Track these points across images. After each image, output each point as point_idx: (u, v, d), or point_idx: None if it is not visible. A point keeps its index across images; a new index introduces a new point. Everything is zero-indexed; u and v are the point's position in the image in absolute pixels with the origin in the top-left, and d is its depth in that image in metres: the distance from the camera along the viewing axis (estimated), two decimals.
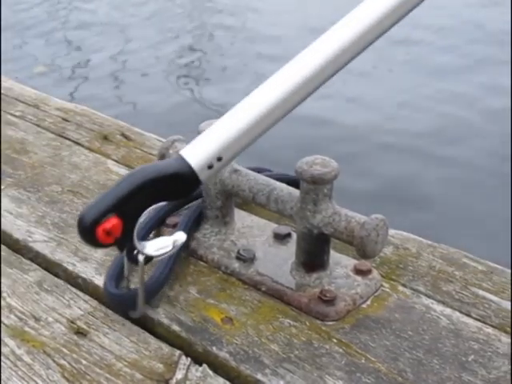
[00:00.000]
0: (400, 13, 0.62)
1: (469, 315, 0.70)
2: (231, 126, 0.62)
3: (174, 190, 0.61)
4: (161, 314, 0.70)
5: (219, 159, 0.61)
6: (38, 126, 1.10)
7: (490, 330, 0.68)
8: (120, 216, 0.58)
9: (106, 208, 0.58)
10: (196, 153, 0.61)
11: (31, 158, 1.00)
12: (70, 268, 0.77)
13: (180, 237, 0.65)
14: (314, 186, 0.69)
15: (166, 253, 0.64)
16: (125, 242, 0.60)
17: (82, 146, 1.04)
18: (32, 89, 1.25)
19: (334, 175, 0.69)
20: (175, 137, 0.82)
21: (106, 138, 1.06)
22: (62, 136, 1.06)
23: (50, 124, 1.10)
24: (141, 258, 0.63)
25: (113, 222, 0.58)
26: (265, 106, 0.61)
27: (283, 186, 0.74)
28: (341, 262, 0.76)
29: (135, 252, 0.63)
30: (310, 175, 0.69)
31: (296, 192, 0.72)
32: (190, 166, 0.60)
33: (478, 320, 0.69)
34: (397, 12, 0.62)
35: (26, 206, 0.88)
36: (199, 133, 0.77)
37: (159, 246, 0.64)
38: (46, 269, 0.78)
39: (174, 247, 0.64)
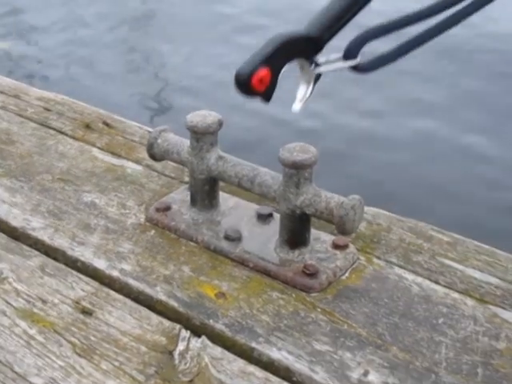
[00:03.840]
0: None
1: (437, 282, 0.78)
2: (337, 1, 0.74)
3: (306, 48, 0.74)
4: (159, 292, 0.77)
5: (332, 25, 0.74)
6: (21, 116, 1.14)
7: (456, 295, 0.76)
8: (269, 67, 0.71)
9: (258, 61, 0.70)
10: (318, 22, 0.74)
11: (18, 148, 1.04)
12: (69, 253, 0.83)
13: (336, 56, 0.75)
14: (295, 171, 0.76)
15: (333, 68, 0.75)
16: (272, 91, 0.72)
17: (66, 134, 1.08)
18: (9, 79, 1.29)
19: (314, 160, 0.76)
20: (162, 127, 0.88)
21: (88, 126, 1.10)
22: (45, 125, 1.11)
23: (32, 114, 1.14)
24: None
25: (264, 72, 0.70)
26: None
27: (266, 170, 0.81)
28: (320, 238, 0.83)
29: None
30: (292, 161, 0.75)
31: (278, 176, 0.79)
32: (315, 30, 0.73)
33: (446, 287, 0.77)
34: None
35: (20, 195, 0.93)
36: (186, 124, 0.83)
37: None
38: (46, 254, 0.83)
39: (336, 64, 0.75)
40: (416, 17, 0.76)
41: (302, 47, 0.74)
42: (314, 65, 0.74)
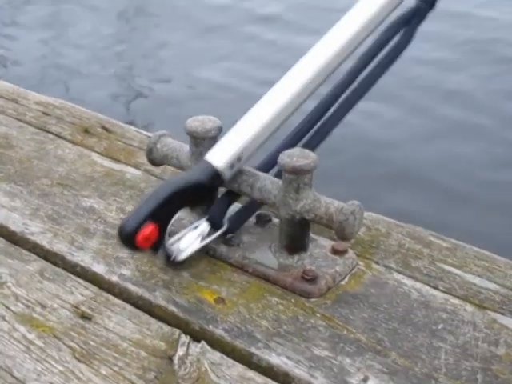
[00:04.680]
0: None
1: (436, 288, 0.78)
2: (247, 130, 0.74)
3: (201, 194, 0.70)
4: (158, 297, 0.77)
5: (239, 159, 0.73)
6: (20, 120, 1.14)
7: (455, 300, 0.76)
8: (156, 222, 0.68)
9: (144, 217, 0.68)
10: (220, 156, 0.74)
11: (18, 153, 1.04)
12: (68, 257, 0.83)
13: (202, 227, 0.76)
14: (295, 176, 0.76)
15: (194, 250, 0.76)
16: (159, 245, 0.71)
17: (65, 139, 1.08)
18: (8, 83, 1.29)
19: (314, 166, 0.76)
20: (161, 132, 0.88)
21: (87, 130, 1.10)
22: (44, 130, 1.11)
23: (31, 118, 1.14)
24: (180, 258, 0.77)
25: (150, 229, 0.68)
26: (275, 108, 0.75)
27: (266, 175, 0.81)
28: (319, 243, 0.83)
29: (171, 258, 0.75)
30: (292, 166, 0.75)
31: (278, 182, 0.79)
32: (215, 170, 0.72)
33: (445, 292, 0.77)
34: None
35: (19, 200, 0.93)
36: (185, 129, 0.83)
37: (186, 245, 0.76)
38: (45, 259, 0.83)
39: (202, 240, 0.77)
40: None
41: (193, 196, 0.73)
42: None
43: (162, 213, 0.70)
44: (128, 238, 0.69)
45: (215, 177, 0.74)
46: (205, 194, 0.74)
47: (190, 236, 0.76)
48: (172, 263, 0.77)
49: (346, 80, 0.83)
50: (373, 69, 0.84)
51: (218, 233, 0.79)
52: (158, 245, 0.72)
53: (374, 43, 0.84)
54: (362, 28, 0.79)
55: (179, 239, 0.77)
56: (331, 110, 0.83)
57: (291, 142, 0.83)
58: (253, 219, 0.87)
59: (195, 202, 0.74)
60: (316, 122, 0.83)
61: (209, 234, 0.79)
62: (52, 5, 4.23)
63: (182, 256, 0.77)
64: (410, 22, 0.85)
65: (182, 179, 0.73)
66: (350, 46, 0.78)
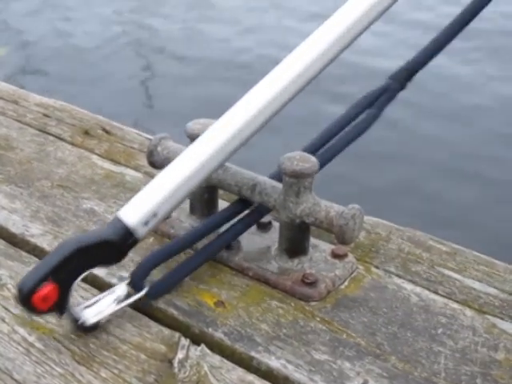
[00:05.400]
0: None
1: (436, 292, 0.78)
2: (164, 185, 0.71)
3: (111, 253, 0.68)
4: (158, 300, 0.77)
5: (155, 215, 0.70)
6: (20, 121, 1.14)
7: (455, 305, 0.76)
8: (55, 282, 0.65)
9: (40, 276, 0.64)
10: (132, 212, 0.69)
11: (18, 154, 1.04)
12: None
13: (121, 290, 0.72)
14: (296, 180, 0.76)
15: (108, 314, 0.72)
16: (63, 307, 0.67)
17: (65, 141, 1.08)
18: (8, 85, 1.29)
19: (314, 170, 0.76)
20: (162, 135, 0.88)
21: (87, 132, 1.11)
22: (44, 132, 1.11)
23: (31, 120, 1.15)
24: (89, 322, 0.71)
25: (48, 289, 0.64)
26: (196, 164, 0.71)
27: (266, 179, 0.81)
28: (319, 247, 0.83)
29: (79, 322, 0.70)
30: (293, 170, 0.76)
31: (278, 185, 0.79)
32: (126, 227, 0.68)
33: (445, 297, 0.78)
34: None
35: (20, 202, 0.93)
36: (186, 132, 0.83)
37: (99, 310, 0.72)
38: None
39: (118, 303, 0.72)
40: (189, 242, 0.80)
41: (102, 254, 0.68)
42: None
43: (64, 272, 0.65)
44: (24, 299, 0.64)
45: (127, 235, 0.69)
46: (116, 252, 0.69)
47: (106, 300, 0.72)
48: (81, 327, 0.71)
49: (308, 149, 0.83)
50: (338, 141, 0.85)
51: (136, 297, 0.74)
52: (61, 306, 0.67)
53: (341, 118, 0.86)
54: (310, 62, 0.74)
55: (94, 303, 0.73)
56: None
57: None
58: None
59: (105, 261, 0.69)
60: None
61: (127, 298, 0.74)
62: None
63: (92, 320, 0.71)
64: (378, 100, 0.86)
65: (89, 237, 0.68)
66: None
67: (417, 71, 0.85)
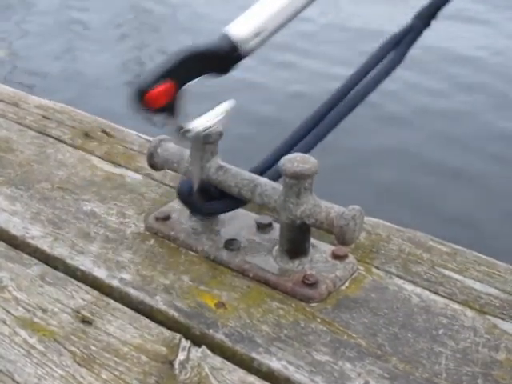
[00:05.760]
0: None
1: (437, 293, 0.78)
2: (269, 4, 0.74)
3: (218, 62, 0.72)
4: (159, 302, 0.77)
5: (257, 34, 0.73)
6: (20, 124, 1.14)
7: (456, 305, 0.76)
8: (173, 80, 0.69)
9: (160, 74, 0.69)
10: (237, 29, 0.73)
11: (18, 157, 1.04)
12: (69, 261, 0.83)
13: (228, 105, 0.76)
14: (296, 181, 0.76)
15: (216, 122, 0.76)
16: (173, 109, 0.70)
17: (65, 143, 1.08)
18: (8, 87, 1.29)
19: (314, 171, 0.76)
20: (162, 136, 0.88)
21: (87, 134, 1.11)
22: (44, 134, 1.11)
23: (31, 122, 1.14)
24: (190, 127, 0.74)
25: (166, 86, 0.68)
26: None
27: (266, 180, 0.81)
28: (319, 248, 0.83)
29: (183, 129, 0.74)
30: (293, 171, 0.76)
31: (278, 186, 0.79)
32: (231, 41, 0.72)
33: (445, 297, 0.78)
34: None
35: (20, 204, 0.93)
36: None
37: (208, 118, 0.76)
38: (45, 263, 0.83)
39: (225, 114, 0.76)
40: None
41: (210, 63, 0.72)
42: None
43: (180, 72, 0.70)
44: (141, 94, 0.68)
45: (232, 48, 0.73)
46: (222, 64, 0.73)
47: (212, 113, 0.76)
48: (181, 135, 0.74)
49: (340, 91, 0.87)
50: (366, 83, 0.87)
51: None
52: (172, 108, 0.71)
53: (369, 60, 0.88)
54: None
55: (200, 116, 0.77)
56: (325, 119, 0.87)
57: (286, 148, 0.86)
58: (254, 224, 0.87)
59: (214, 70, 0.73)
60: (310, 130, 0.87)
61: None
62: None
63: (196, 129, 0.75)
64: (402, 41, 0.88)
65: (200, 46, 0.73)
66: None
67: (440, 8, 0.86)
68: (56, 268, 0.82)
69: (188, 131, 0.74)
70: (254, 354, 0.70)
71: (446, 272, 0.81)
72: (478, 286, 0.79)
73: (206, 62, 0.72)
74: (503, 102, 3.10)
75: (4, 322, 0.74)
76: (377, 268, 0.82)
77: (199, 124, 0.75)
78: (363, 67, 0.88)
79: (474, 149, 2.74)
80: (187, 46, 0.71)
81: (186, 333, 0.73)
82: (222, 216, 0.88)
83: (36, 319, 0.74)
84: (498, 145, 2.76)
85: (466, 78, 3.34)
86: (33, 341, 0.71)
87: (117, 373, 0.68)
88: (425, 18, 0.88)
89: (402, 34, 0.88)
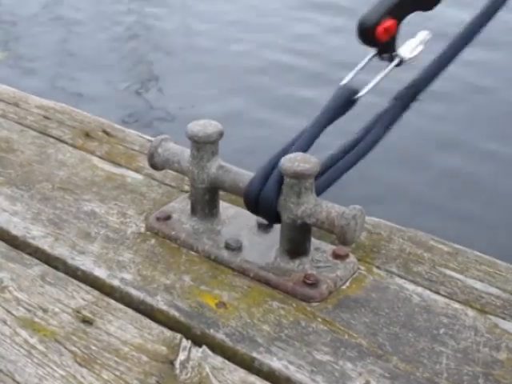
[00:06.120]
0: None
1: (438, 293, 0.78)
2: None
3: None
4: (160, 301, 0.77)
5: None
6: (21, 124, 1.14)
7: (457, 305, 0.76)
8: (394, 17, 0.73)
9: (385, 11, 0.73)
10: None
11: (19, 157, 1.04)
12: (70, 261, 0.83)
13: (425, 35, 0.81)
14: (296, 181, 0.76)
15: (419, 53, 0.80)
16: (393, 43, 0.76)
17: (66, 143, 1.08)
18: (9, 87, 1.29)
19: (315, 170, 0.76)
20: (162, 136, 0.88)
21: (88, 134, 1.10)
22: (45, 134, 1.11)
23: (32, 122, 1.14)
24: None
25: (390, 22, 0.73)
26: None
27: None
28: (320, 247, 0.83)
29: (392, 54, 0.79)
30: (293, 171, 0.75)
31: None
32: None
33: (446, 297, 0.78)
34: None
35: (21, 204, 0.93)
36: (187, 133, 0.83)
37: (412, 47, 0.80)
38: (46, 263, 0.83)
39: (424, 45, 0.80)
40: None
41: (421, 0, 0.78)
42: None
43: (400, 9, 0.74)
44: (367, 29, 0.73)
45: None
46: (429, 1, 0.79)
47: (411, 43, 0.80)
48: (391, 60, 0.80)
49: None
50: (341, 163, 0.84)
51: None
52: (391, 43, 0.76)
53: (349, 142, 0.85)
54: None
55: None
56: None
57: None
58: (254, 223, 0.87)
59: (421, 8, 0.78)
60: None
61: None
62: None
63: (409, 56, 0.80)
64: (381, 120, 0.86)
65: None
66: None
67: (421, 91, 0.85)
68: (57, 268, 0.82)
69: (398, 57, 0.79)
70: (254, 354, 0.70)
71: (447, 272, 0.81)
72: (479, 285, 0.79)
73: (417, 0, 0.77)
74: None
75: (5, 322, 0.74)
76: (378, 268, 0.82)
77: (406, 52, 0.80)
78: (342, 148, 0.85)
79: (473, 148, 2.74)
80: None
81: (187, 333, 0.73)
82: (223, 216, 0.88)
83: (37, 319, 0.74)
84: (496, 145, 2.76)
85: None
86: (33, 341, 0.71)
87: (117, 373, 0.68)
88: (405, 100, 0.85)
89: (382, 114, 0.86)
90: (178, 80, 3.40)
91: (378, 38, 0.74)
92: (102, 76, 3.41)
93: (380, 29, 0.73)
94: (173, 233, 0.86)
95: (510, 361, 0.69)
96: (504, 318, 0.74)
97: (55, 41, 3.80)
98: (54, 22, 4.05)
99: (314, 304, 0.76)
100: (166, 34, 3.96)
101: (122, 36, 3.94)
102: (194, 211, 0.87)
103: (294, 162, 0.76)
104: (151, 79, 3.49)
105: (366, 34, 0.74)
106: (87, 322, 0.74)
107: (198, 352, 0.70)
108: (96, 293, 0.78)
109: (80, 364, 0.69)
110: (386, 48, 0.77)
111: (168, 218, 0.87)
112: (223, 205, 0.90)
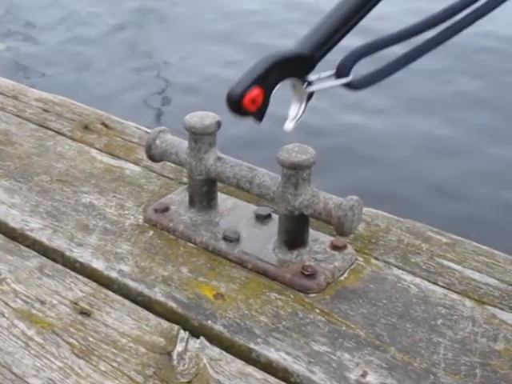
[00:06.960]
0: None
1: (436, 283, 0.78)
2: (329, 19, 0.76)
3: (298, 67, 0.75)
4: (157, 293, 0.76)
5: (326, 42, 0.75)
6: (19, 116, 1.14)
7: (455, 296, 0.76)
8: (261, 87, 0.72)
9: (251, 81, 0.71)
10: (309, 40, 0.75)
11: (17, 149, 1.04)
12: (68, 253, 0.83)
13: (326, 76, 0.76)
14: (294, 172, 0.76)
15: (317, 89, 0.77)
16: (264, 111, 0.73)
17: (65, 135, 1.08)
18: (8, 80, 1.29)
19: (313, 161, 0.76)
20: (160, 128, 0.88)
21: (86, 127, 1.10)
22: (43, 126, 1.11)
23: (30, 115, 1.14)
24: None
25: (256, 92, 0.71)
26: None
27: (264, 171, 0.81)
28: (318, 238, 0.83)
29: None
30: (291, 162, 0.75)
31: (277, 177, 0.79)
32: (307, 49, 0.74)
33: (444, 287, 0.77)
34: None
35: (19, 196, 0.93)
36: (184, 125, 0.83)
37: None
38: (44, 255, 0.83)
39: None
40: (408, 32, 0.77)
41: (294, 66, 0.75)
42: (306, 84, 0.75)
43: (268, 79, 0.72)
44: (236, 102, 0.71)
45: (308, 55, 0.75)
46: (305, 66, 0.75)
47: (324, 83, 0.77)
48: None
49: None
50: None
51: (342, 81, 0.76)
52: (262, 111, 0.73)
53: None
54: None
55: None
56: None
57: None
58: (252, 215, 0.87)
59: (297, 73, 0.76)
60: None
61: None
62: None
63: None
64: None
65: (285, 51, 0.75)
66: None
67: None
68: (55, 260, 0.82)
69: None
70: (252, 345, 0.70)
71: (445, 262, 0.81)
72: (476, 276, 0.79)
73: (290, 66, 0.75)
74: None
75: (2, 314, 0.74)
76: (376, 259, 0.82)
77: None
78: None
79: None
80: (271, 53, 0.74)
81: (185, 324, 0.73)
82: (221, 207, 0.88)
83: (34, 311, 0.74)
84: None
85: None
86: (31, 333, 0.72)
87: (115, 364, 0.68)
88: None
89: None
90: (177, 70, 3.40)
91: (245, 109, 0.72)
92: (102, 65, 3.41)
93: (246, 100, 0.71)
94: (171, 224, 0.86)
95: (507, 351, 0.69)
96: (502, 309, 0.74)
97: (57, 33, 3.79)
98: (53, 9, 4.05)
99: (312, 295, 0.76)
100: (168, 21, 3.95)
101: (122, 24, 3.93)
102: (192, 203, 0.87)
103: (292, 153, 0.76)
104: (151, 69, 3.49)
105: (234, 105, 0.72)
106: (85, 313, 0.74)
107: (195, 343, 0.70)
108: (94, 284, 0.78)
109: (77, 355, 0.69)
110: (260, 115, 0.74)
111: (166, 209, 0.87)
112: (221, 196, 0.89)
